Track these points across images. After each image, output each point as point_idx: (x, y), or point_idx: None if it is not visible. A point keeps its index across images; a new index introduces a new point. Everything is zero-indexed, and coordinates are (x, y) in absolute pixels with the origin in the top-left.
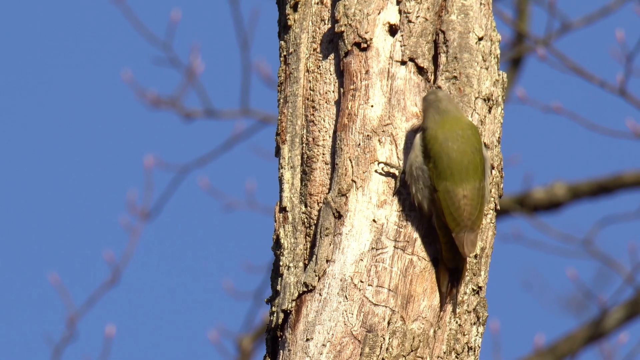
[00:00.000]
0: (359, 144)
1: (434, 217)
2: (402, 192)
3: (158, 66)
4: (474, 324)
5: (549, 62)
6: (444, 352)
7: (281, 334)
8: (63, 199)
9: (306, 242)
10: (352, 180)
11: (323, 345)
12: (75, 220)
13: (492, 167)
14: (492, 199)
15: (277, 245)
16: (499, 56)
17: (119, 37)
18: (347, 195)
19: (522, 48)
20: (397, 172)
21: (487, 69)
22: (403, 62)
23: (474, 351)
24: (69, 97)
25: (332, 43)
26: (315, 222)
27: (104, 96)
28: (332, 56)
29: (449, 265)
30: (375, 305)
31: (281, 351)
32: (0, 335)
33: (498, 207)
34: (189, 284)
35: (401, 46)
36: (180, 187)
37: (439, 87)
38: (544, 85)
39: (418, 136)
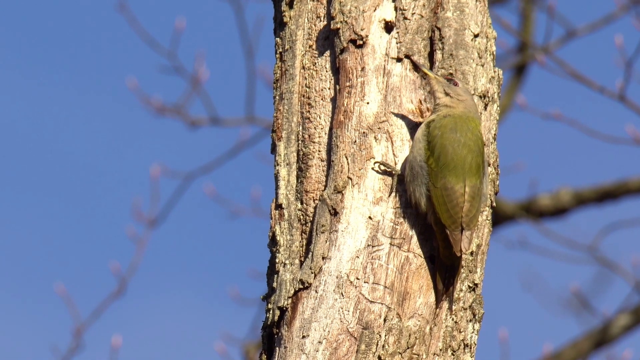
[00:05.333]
0: (355, 141)
1: (430, 215)
2: (399, 189)
3: (163, 74)
4: (470, 320)
5: (549, 68)
6: (440, 349)
7: (277, 331)
8: (68, 208)
9: (302, 239)
10: (348, 177)
11: (319, 342)
12: (82, 230)
13: (489, 164)
14: (489, 195)
15: (273, 242)
16: (494, 53)
17: (124, 45)
18: (343, 192)
19: (525, 56)
20: (393, 171)
21: (482, 65)
22: (399, 59)
23: (470, 348)
24: (74, 104)
25: (327, 40)
26: (311, 219)
27: (109, 104)
28: (327, 53)
29: (445, 262)
30: (371, 302)
31: (277, 348)
32: (7, 345)
33: (494, 204)
34: (194, 291)
35: (397, 43)
36: (185, 194)
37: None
38: (544, 92)
39: (422, 128)
